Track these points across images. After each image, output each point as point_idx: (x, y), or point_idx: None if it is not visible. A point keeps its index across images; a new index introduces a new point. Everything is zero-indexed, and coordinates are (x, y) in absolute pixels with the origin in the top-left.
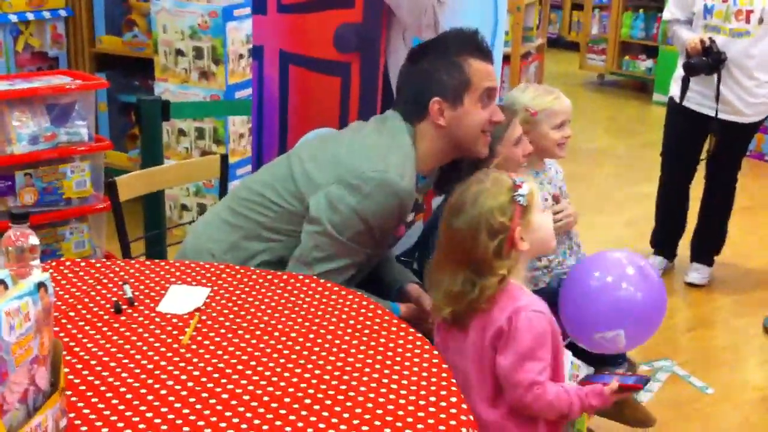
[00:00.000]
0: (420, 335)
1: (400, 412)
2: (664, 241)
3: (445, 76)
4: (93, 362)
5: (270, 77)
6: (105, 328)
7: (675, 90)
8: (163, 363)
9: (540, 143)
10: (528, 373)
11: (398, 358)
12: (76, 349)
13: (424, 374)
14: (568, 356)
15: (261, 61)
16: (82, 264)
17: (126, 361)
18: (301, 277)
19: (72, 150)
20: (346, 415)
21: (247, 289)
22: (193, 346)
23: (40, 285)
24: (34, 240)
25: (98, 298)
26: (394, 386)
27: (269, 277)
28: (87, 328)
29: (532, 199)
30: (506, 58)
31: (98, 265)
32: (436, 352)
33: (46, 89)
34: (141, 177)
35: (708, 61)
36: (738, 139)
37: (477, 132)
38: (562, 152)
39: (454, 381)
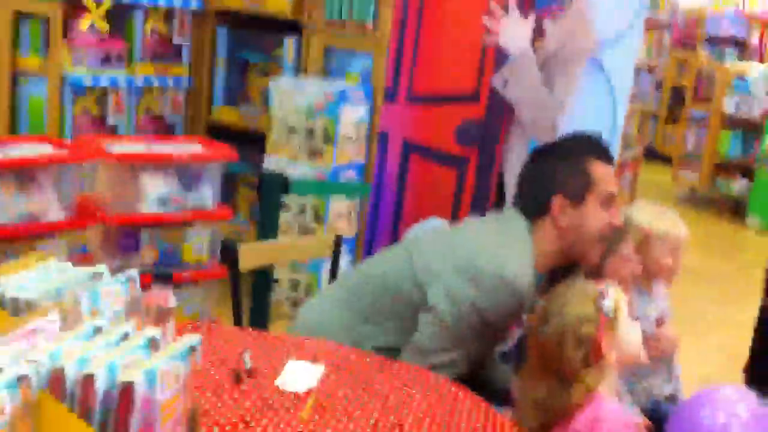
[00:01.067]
0: None
1: None
2: (758, 378)
3: (569, 175)
4: (215, 429)
5: (390, 163)
6: (225, 396)
7: None
8: None
9: (649, 266)
10: None
11: None
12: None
13: None
14: None
15: (384, 147)
16: (203, 329)
17: None
18: (414, 368)
19: (196, 215)
20: None
21: (362, 373)
22: (311, 426)
23: (192, 348)
24: (173, 302)
25: (218, 364)
26: None
27: (383, 363)
28: (208, 394)
29: (618, 310)
30: None
31: (219, 331)
32: None
33: (181, 155)
34: (261, 249)
35: None
36: None
37: (596, 234)
38: (671, 279)
39: None
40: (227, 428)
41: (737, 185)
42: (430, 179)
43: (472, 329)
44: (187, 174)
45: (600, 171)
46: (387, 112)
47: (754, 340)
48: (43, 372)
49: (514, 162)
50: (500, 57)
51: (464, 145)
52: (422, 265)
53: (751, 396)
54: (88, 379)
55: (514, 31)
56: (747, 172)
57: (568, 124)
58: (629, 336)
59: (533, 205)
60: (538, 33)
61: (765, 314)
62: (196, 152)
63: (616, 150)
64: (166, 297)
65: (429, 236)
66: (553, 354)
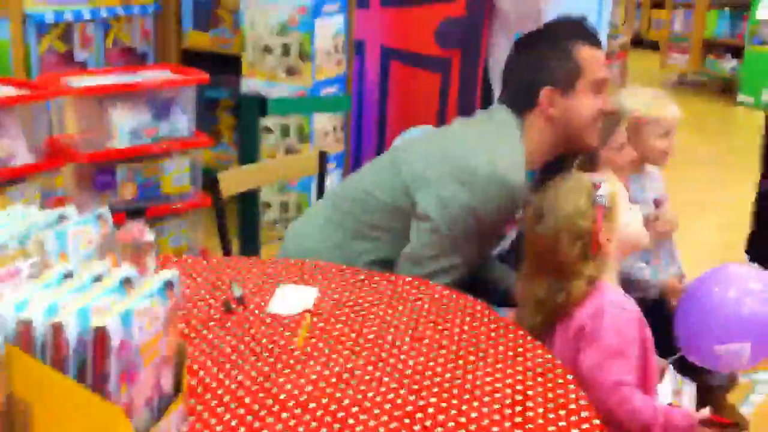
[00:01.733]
0: (538, 342)
1: (530, 425)
2: (760, 249)
3: (556, 64)
4: (208, 363)
5: (370, 72)
6: (217, 328)
7: None
8: (278, 366)
9: (642, 150)
10: (612, 373)
11: (510, 362)
12: (190, 348)
13: (539, 380)
14: (672, 372)
15: (362, 56)
16: (189, 261)
17: (241, 362)
18: (408, 279)
19: (173, 144)
20: (473, 427)
21: (355, 290)
22: (307, 349)
23: (168, 284)
24: (150, 237)
25: (207, 296)
26: (519, 397)
27: (377, 278)
28: (199, 327)
29: (614, 199)
30: None
31: (205, 262)
32: (549, 356)
33: (149, 84)
34: (242, 173)
35: None
36: None
37: (589, 122)
38: (665, 161)
39: (583, 394)
40: (220, 360)
41: (727, 65)
42: (413, 85)
43: (468, 232)
44: (158, 103)
45: (588, 56)
46: (362, 20)
47: (754, 218)
48: (9, 325)
49: (499, 58)
50: None
51: (446, 46)
52: (410, 172)
53: (758, 271)
54: (57, 328)
55: None
56: (736, 51)
57: (552, 14)
58: (630, 222)
59: (521, 98)
60: None
61: (763, 190)
62: (165, 79)
63: (603, 39)
64: (142, 231)
65: (415, 142)
66: (550, 251)
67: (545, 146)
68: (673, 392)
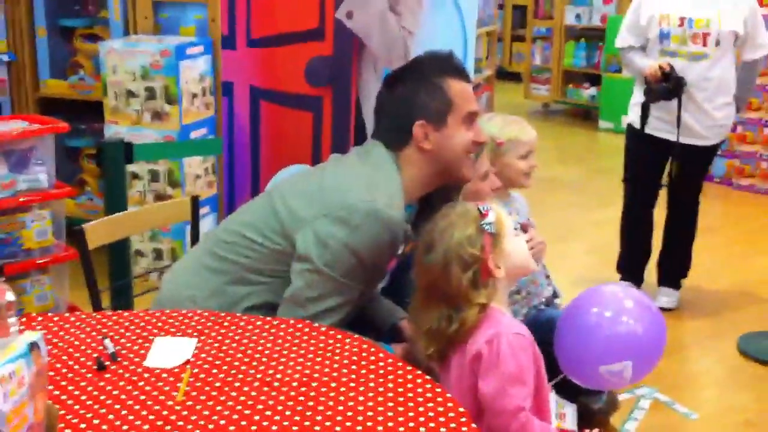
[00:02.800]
0: (424, 374)
1: None
2: (630, 267)
3: (426, 98)
4: (82, 425)
5: (240, 114)
6: (89, 387)
7: (633, 117)
8: (159, 423)
9: (506, 173)
10: (513, 399)
11: (401, 399)
12: (61, 411)
13: (431, 414)
14: (552, 395)
15: (231, 97)
16: (56, 319)
17: (118, 422)
18: (293, 321)
19: (33, 198)
20: None
21: (237, 337)
22: (188, 402)
23: (33, 346)
24: (10, 296)
25: (77, 354)
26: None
27: (259, 323)
28: (70, 387)
29: (500, 226)
30: None
31: (72, 319)
32: (439, 390)
33: (4, 135)
34: (109, 223)
35: (668, 87)
36: (699, 163)
37: (463, 154)
38: (528, 182)
39: (467, 421)
40: (95, 421)
41: (586, 93)
42: (285, 124)
43: (349, 271)
44: (15, 155)
45: (458, 89)
46: (228, 61)
47: (621, 236)
48: None
49: (370, 95)
50: None
51: (316, 84)
52: (287, 213)
53: (632, 289)
54: None
55: None
56: (594, 80)
57: (419, 50)
58: (516, 248)
59: (395, 134)
60: None
61: (626, 202)
62: (21, 130)
63: (470, 73)
64: (1, 291)
65: (291, 181)
66: (441, 280)
67: (422, 179)
68: (557, 416)
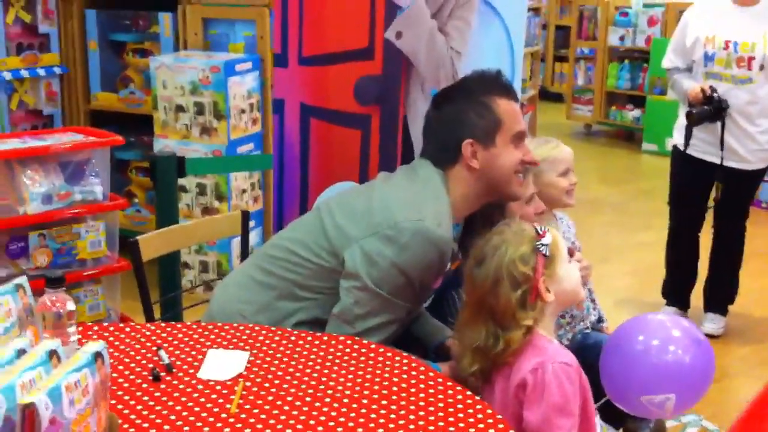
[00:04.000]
0: (473, 394)
1: None
2: (676, 292)
3: (475, 117)
4: None
5: (291, 130)
6: (145, 398)
7: (678, 138)
8: None
9: (547, 193)
10: (559, 430)
11: (451, 419)
12: (119, 421)
13: None
14: (597, 419)
15: (282, 114)
16: (111, 329)
17: None
18: (342, 338)
19: (87, 209)
20: None
21: (288, 351)
22: (242, 415)
23: (97, 355)
24: (71, 305)
25: (133, 365)
26: None
27: (309, 338)
28: (126, 398)
29: (555, 249)
30: None
31: (127, 329)
32: (489, 411)
33: (61, 147)
34: (162, 236)
35: (710, 110)
36: (744, 187)
37: (511, 172)
38: (571, 199)
39: None
40: (150, 431)
41: (630, 115)
42: (334, 142)
43: (397, 289)
44: (71, 167)
45: (506, 108)
46: (280, 79)
47: (667, 262)
48: None
49: (417, 115)
50: (391, 8)
51: (364, 103)
52: (335, 231)
53: (679, 318)
54: None
55: None
56: (638, 101)
57: (467, 70)
58: (569, 274)
59: (443, 153)
60: None
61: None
62: (77, 142)
63: (517, 93)
64: (63, 300)
65: (339, 199)
66: (490, 296)
67: (470, 198)
68: None
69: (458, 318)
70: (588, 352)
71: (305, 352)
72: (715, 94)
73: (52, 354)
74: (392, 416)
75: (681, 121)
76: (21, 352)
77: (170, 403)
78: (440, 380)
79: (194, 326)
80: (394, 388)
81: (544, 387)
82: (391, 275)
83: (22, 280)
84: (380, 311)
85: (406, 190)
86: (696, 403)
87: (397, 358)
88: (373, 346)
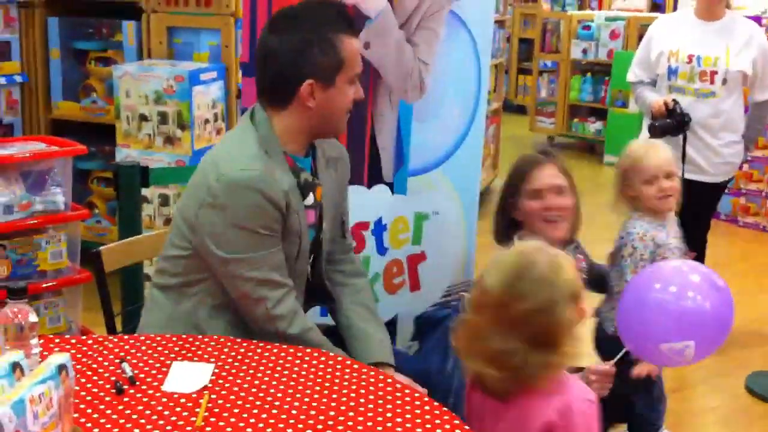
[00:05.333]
0: (433, 401)
1: None
2: None
3: (319, 54)
4: None
5: None
6: (108, 411)
7: None
8: None
9: (641, 199)
10: None
11: (419, 430)
12: None
13: None
14: None
15: None
16: (73, 341)
17: None
18: (309, 350)
19: (49, 219)
20: None
21: (253, 363)
22: (208, 428)
23: (61, 368)
24: (33, 317)
25: (95, 377)
26: None
27: (275, 350)
28: (89, 411)
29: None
30: None
31: (90, 341)
32: (456, 422)
33: (24, 156)
34: (125, 247)
35: (673, 123)
36: (705, 199)
37: (342, 113)
38: (665, 205)
39: None
40: None
41: (592, 127)
42: None
43: (255, 243)
44: (32, 176)
45: (350, 48)
46: (248, 88)
47: None
48: None
49: (384, 126)
50: (359, 19)
51: None
52: (179, 217)
53: (698, 265)
54: None
55: None
56: (600, 114)
57: (434, 82)
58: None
59: (278, 88)
60: None
61: None
62: (40, 151)
63: (483, 104)
64: (26, 312)
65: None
66: (538, 315)
67: (303, 133)
68: None
69: (461, 321)
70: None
71: (271, 364)
72: (677, 107)
73: (16, 366)
74: (359, 428)
75: (644, 134)
76: None
77: (134, 416)
78: (407, 392)
79: (158, 338)
80: (361, 400)
81: (571, 429)
82: (236, 237)
83: None
84: (261, 267)
85: (216, 152)
86: (713, 352)
87: (364, 370)
88: (340, 358)
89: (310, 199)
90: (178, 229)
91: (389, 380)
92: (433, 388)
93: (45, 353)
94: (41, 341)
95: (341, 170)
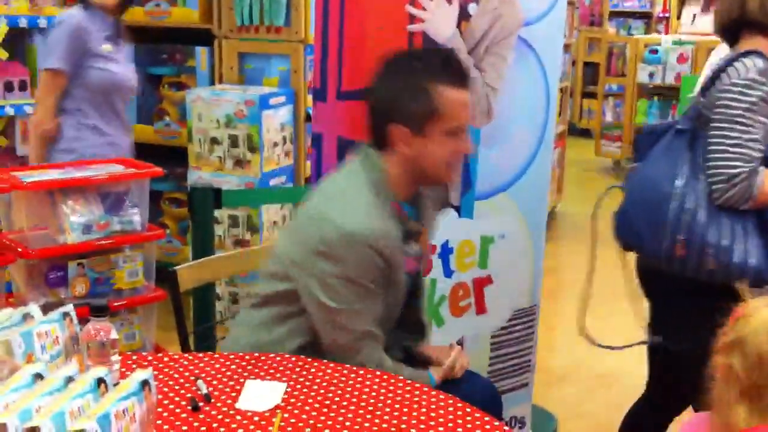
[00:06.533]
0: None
1: None
2: None
3: (409, 100)
4: None
5: (328, 164)
6: (185, 427)
7: None
8: None
9: None
10: None
11: None
12: None
13: None
14: None
15: (320, 148)
16: (149, 358)
17: None
18: (378, 372)
19: (126, 239)
20: None
21: (324, 383)
22: None
23: (144, 383)
24: (114, 334)
25: (171, 394)
26: None
27: (345, 371)
28: (166, 427)
29: None
30: None
31: (166, 359)
32: None
33: (104, 178)
34: (200, 267)
35: None
36: None
37: (442, 164)
38: None
39: None
40: None
41: None
42: None
43: (360, 297)
44: (111, 197)
45: (448, 98)
46: (319, 113)
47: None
48: None
49: None
50: (428, 44)
51: None
52: (283, 256)
53: None
54: None
55: (439, 17)
56: None
57: (502, 107)
58: None
59: (375, 133)
60: (464, 17)
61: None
62: (119, 173)
63: (551, 128)
64: (108, 329)
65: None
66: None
67: (405, 180)
68: None
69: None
70: None
71: (341, 384)
72: None
73: (101, 382)
74: None
75: None
76: (69, 380)
77: None
78: (478, 415)
79: (231, 356)
80: (432, 423)
81: None
82: (346, 288)
83: (69, 308)
84: (357, 323)
85: (329, 194)
86: None
87: (433, 393)
88: (409, 381)
89: (413, 248)
90: (281, 264)
91: (459, 404)
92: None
93: (123, 369)
94: (120, 358)
95: (439, 204)
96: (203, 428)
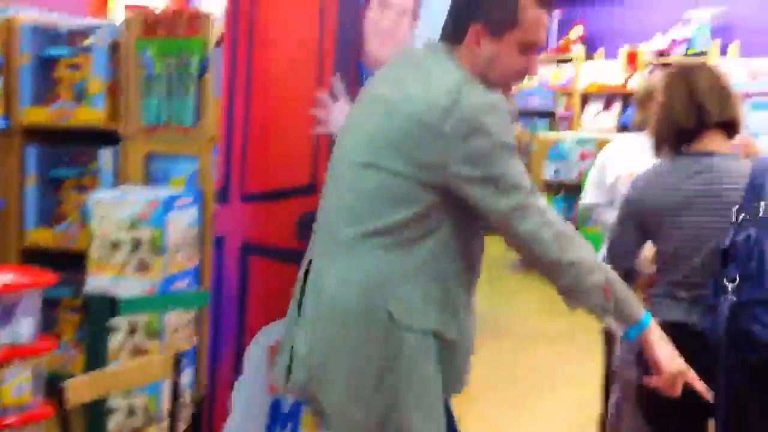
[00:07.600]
0: None
1: None
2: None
3: (497, 3)
4: None
5: (229, 267)
6: None
7: None
8: None
9: None
10: None
11: None
12: None
13: None
14: None
15: (221, 250)
16: None
17: None
18: None
19: (14, 352)
20: None
21: None
22: None
23: None
24: None
25: None
26: None
27: None
28: None
29: None
30: None
31: None
32: None
33: None
34: (92, 381)
35: None
36: None
37: (509, 77)
38: None
39: None
40: None
41: None
42: (274, 279)
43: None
44: (0, 308)
45: (532, 15)
46: (222, 215)
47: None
48: None
49: None
50: (333, 145)
51: (305, 239)
52: (409, 168)
53: None
54: None
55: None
56: None
57: None
58: None
59: (451, 30)
60: None
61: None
62: (8, 283)
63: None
64: None
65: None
66: None
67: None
68: None
69: None
70: None
71: None
72: None
73: None
74: None
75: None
76: None
77: None
78: None
79: None
80: None
81: None
82: (503, 155)
83: None
84: (519, 192)
85: (425, 80)
86: None
87: None
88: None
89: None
90: (390, 193)
91: None
92: None
93: None
94: None
95: None
96: None
